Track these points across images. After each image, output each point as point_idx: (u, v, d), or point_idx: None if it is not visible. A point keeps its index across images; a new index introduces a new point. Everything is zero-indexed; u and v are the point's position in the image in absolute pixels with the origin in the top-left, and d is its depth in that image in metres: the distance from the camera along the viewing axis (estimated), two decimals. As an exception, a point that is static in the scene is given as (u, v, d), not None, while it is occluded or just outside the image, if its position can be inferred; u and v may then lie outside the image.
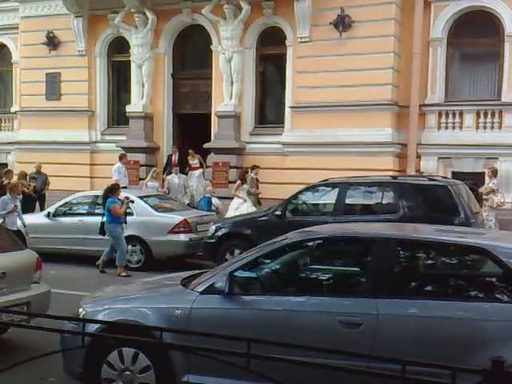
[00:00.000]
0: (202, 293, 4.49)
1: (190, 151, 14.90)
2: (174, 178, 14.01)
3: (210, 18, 14.85)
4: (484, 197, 11.51)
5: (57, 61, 16.55)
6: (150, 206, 11.10)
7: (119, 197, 10.34)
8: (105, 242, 10.88)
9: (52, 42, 16.55)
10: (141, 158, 15.61)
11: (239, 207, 12.34)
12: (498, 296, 4.12)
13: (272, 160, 14.23)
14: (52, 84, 16.69)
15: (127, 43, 16.06)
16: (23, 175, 13.89)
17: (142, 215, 10.91)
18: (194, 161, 14.80)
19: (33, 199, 13.70)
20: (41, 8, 16.75)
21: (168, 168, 14.83)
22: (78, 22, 16.11)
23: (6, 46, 18.61)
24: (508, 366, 2.11)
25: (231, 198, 14.33)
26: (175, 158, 15.03)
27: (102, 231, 10.40)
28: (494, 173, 11.68)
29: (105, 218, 10.27)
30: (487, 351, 3.50)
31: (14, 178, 13.78)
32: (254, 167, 13.22)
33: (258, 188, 13.21)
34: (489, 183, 11.62)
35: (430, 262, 4.70)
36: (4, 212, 9.78)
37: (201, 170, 14.75)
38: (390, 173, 12.17)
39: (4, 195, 10.12)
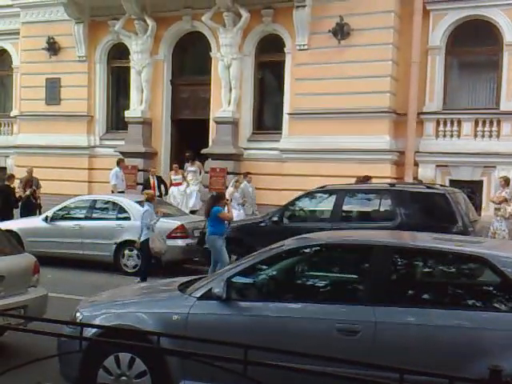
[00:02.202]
0: (199, 298, 4.49)
1: (174, 166, 14.72)
2: (249, 188, 13.51)
3: (209, 25, 14.90)
4: (496, 206, 11.49)
5: (57, 66, 16.59)
6: (148, 212, 11.09)
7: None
8: (102, 246, 10.87)
9: (52, 48, 16.60)
10: (139, 163, 15.61)
11: None
12: (496, 305, 4.12)
13: (269, 166, 14.25)
14: (52, 89, 16.72)
15: (127, 49, 16.10)
16: (27, 180, 13.87)
17: (140, 220, 10.88)
18: (177, 176, 14.41)
19: (32, 204, 13.67)
20: (42, 14, 16.79)
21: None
22: (79, 28, 16.17)
23: (7, 50, 18.66)
24: (506, 376, 2.11)
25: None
26: (154, 180, 14.32)
27: (202, 242, 10.04)
28: (507, 182, 11.67)
29: (207, 229, 9.64)
30: (485, 360, 3.50)
31: (16, 183, 13.83)
32: (367, 178, 11.88)
33: None
34: (501, 192, 11.60)
35: (427, 270, 4.69)
36: (153, 222, 9.75)
37: (184, 186, 14.22)
38: (388, 180, 12.19)
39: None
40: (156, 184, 14.38)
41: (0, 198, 13.05)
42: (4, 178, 13.67)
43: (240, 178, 13.36)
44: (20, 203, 13.43)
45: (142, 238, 9.86)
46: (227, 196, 11.83)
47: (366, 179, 11.81)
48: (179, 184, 14.34)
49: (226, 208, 9.77)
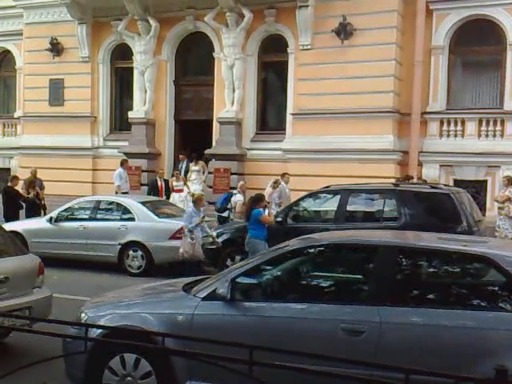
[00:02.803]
0: (204, 299, 4.49)
1: (175, 172, 14.58)
2: (285, 188, 13.09)
3: (212, 26, 14.91)
4: (499, 205, 11.48)
5: (60, 67, 16.63)
6: (152, 212, 11.11)
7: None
8: (106, 247, 10.87)
9: (56, 49, 16.64)
10: (142, 163, 15.63)
11: None
12: (501, 305, 4.11)
13: (273, 166, 14.25)
14: (55, 90, 16.76)
15: (130, 50, 16.12)
16: (30, 181, 13.89)
17: (144, 221, 10.92)
18: (178, 182, 14.29)
19: (37, 205, 13.69)
20: (45, 15, 16.84)
21: (152, 194, 13.87)
22: (82, 29, 16.20)
23: (10, 51, 18.70)
24: None
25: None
26: (162, 183, 14.28)
27: (241, 245, 9.49)
28: (511, 181, 11.67)
29: (248, 232, 9.18)
30: (490, 360, 3.49)
31: (20, 184, 13.88)
32: (408, 177, 11.54)
33: None
34: (505, 191, 11.60)
35: (432, 270, 4.68)
36: (192, 225, 9.37)
37: (185, 193, 14.03)
38: (392, 180, 12.18)
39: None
40: (164, 187, 14.27)
41: (4, 199, 13.09)
42: (8, 180, 13.70)
43: (278, 179, 12.99)
44: (25, 204, 13.46)
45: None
46: (266, 197, 11.30)
47: (407, 179, 11.86)
48: (180, 191, 14.19)
49: (266, 211, 9.39)
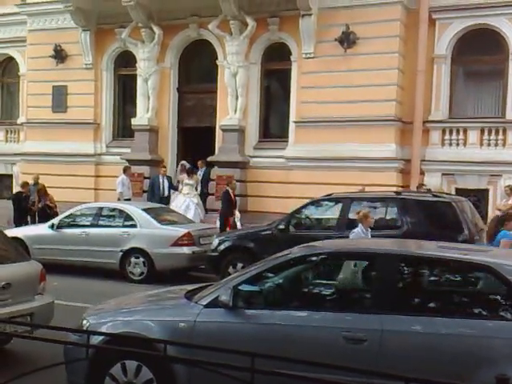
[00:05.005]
0: (206, 306, 4.50)
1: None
2: None
3: (216, 34, 14.96)
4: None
5: (64, 74, 16.67)
6: (154, 219, 11.12)
7: None
8: (108, 253, 10.87)
9: (59, 55, 16.70)
10: (145, 170, 15.65)
11: None
12: (501, 314, 4.12)
13: (276, 174, 14.27)
14: (58, 96, 16.80)
15: (134, 57, 16.18)
16: (44, 190, 13.85)
17: (146, 227, 10.93)
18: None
19: (48, 214, 13.47)
20: (49, 21, 16.91)
21: (227, 209, 12.93)
22: (86, 36, 16.27)
23: (14, 58, 18.76)
24: (512, 384, 2.11)
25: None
26: (234, 195, 13.28)
27: None
28: None
29: None
30: (491, 369, 3.50)
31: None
32: None
33: None
34: (507, 201, 11.60)
35: (433, 278, 4.70)
36: None
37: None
38: (394, 188, 12.18)
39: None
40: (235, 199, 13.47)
41: (14, 205, 13.17)
42: (17, 186, 13.79)
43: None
44: (37, 212, 13.50)
45: None
46: None
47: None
48: None
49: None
